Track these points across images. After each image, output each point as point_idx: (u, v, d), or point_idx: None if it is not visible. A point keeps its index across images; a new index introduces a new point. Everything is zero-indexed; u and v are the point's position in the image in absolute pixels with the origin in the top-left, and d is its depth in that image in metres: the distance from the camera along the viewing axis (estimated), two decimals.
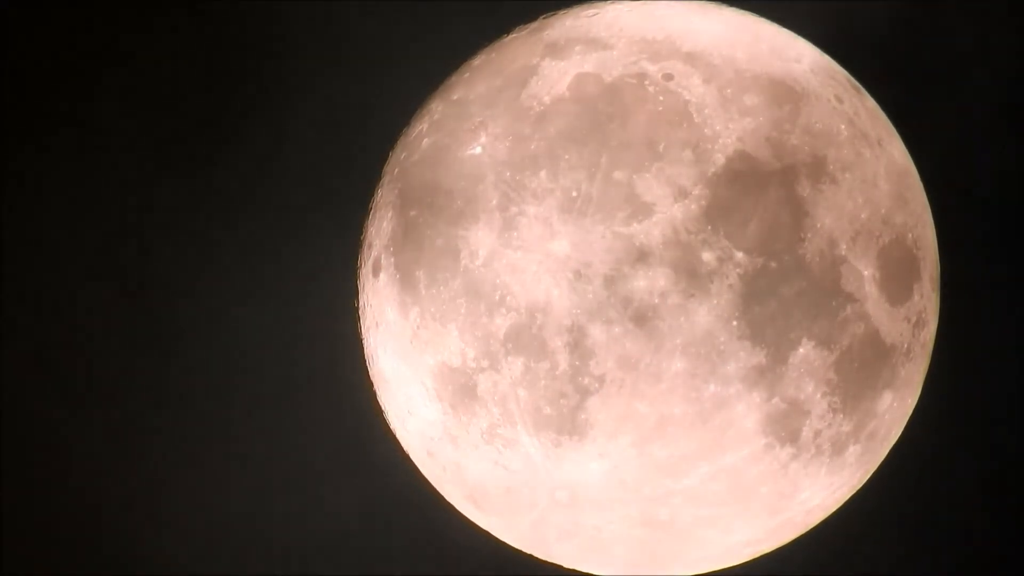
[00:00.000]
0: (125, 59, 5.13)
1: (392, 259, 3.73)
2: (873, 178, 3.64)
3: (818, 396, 3.53)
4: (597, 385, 3.43)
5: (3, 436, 5.18)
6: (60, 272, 5.17)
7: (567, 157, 3.46)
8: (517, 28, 3.92)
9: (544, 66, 3.62)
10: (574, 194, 3.43)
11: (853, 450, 3.71)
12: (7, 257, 5.13)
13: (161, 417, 5.22)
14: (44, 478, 5.23)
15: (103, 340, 5.20)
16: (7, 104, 5.09)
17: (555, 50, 3.65)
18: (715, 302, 3.39)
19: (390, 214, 3.78)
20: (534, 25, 3.87)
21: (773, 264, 3.42)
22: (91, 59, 5.11)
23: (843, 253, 3.50)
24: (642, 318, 3.39)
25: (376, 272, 3.80)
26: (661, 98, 3.49)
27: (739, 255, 3.39)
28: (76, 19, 5.09)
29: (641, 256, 3.39)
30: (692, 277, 3.39)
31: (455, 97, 3.80)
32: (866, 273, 3.55)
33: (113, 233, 5.17)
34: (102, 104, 5.14)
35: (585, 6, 3.84)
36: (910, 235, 3.72)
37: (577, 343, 3.42)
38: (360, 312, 3.98)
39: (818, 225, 3.48)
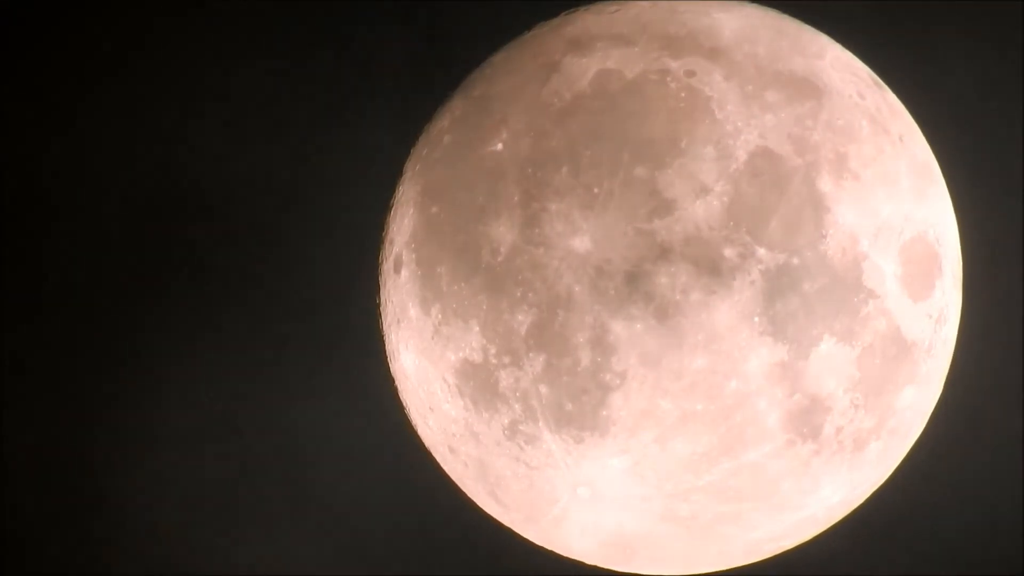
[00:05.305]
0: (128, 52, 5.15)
1: (413, 255, 3.73)
2: (895, 174, 3.63)
3: (840, 392, 3.52)
4: (619, 381, 3.43)
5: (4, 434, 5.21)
6: (71, 263, 5.19)
7: (588, 153, 3.46)
8: (538, 25, 3.92)
9: (566, 62, 3.62)
10: (595, 190, 3.42)
11: (875, 446, 3.70)
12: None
13: (174, 412, 5.24)
14: (46, 479, 5.26)
15: (118, 334, 5.22)
16: None
17: (577, 46, 3.65)
18: (737, 298, 3.39)
19: (411, 211, 3.79)
20: (555, 22, 3.87)
21: (795, 260, 3.41)
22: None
23: (865, 249, 3.50)
24: (664, 314, 3.39)
25: (398, 268, 3.81)
26: (683, 94, 3.49)
27: (761, 251, 3.39)
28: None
29: (663, 253, 3.38)
30: (714, 274, 3.38)
31: (476, 94, 3.80)
32: (888, 269, 3.54)
33: (127, 229, 5.19)
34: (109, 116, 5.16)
35: (607, 3, 3.84)
36: (932, 231, 3.71)
37: (599, 339, 3.42)
38: (381, 308, 3.99)
39: (840, 221, 3.47)
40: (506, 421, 3.60)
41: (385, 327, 3.99)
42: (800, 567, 4.34)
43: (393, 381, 4.04)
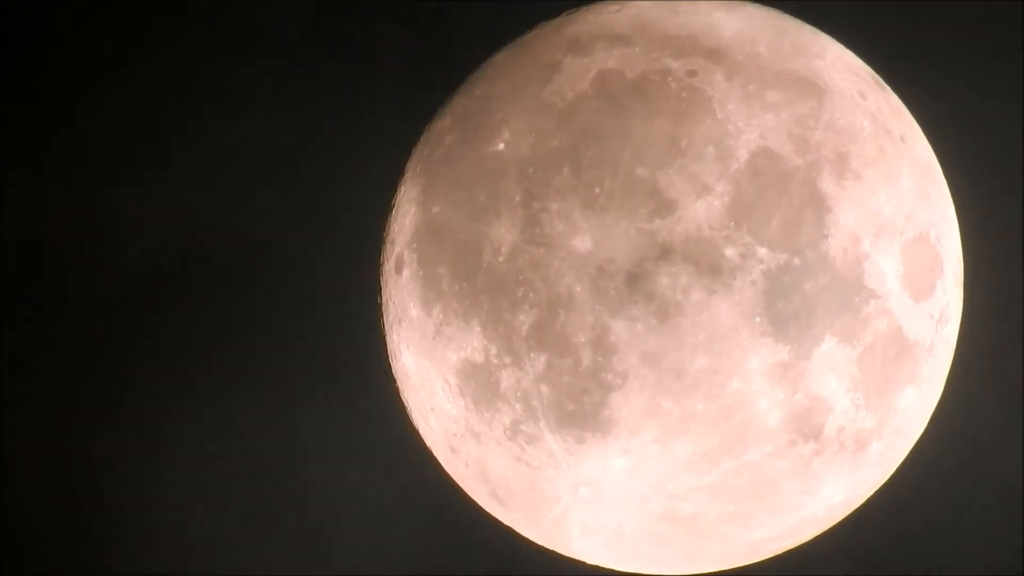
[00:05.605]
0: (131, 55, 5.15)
1: (415, 255, 3.73)
2: (896, 174, 3.63)
3: (841, 392, 3.52)
4: (620, 381, 3.43)
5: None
6: (71, 262, 5.19)
7: (589, 153, 3.46)
8: (539, 25, 3.92)
9: (567, 63, 3.62)
10: (597, 190, 3.42)
11: (876, 446, 3.70)
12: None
13: (174, 412, 5.24)
14: (49, 478, 5.26)
15: (117, 334, 5.22)
16: None
17: (578, 47, 3.65)
18: (738, 298, 3.39)
19: (413, 210, 3.79)
20: (556, 22, 3.87)
21: (796, 260, 3.41)
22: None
23: (866, 249, 3.50)
24: (665, 314, 3.39)
25: (399, 269, 3.81)
26: (684, 94, 3.49)
27: (762, 251, 3.39)
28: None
29: (664, 252, 3.38)
30: (715, 273, 3.38)
31: (477, 93, 3.80)
32: (889, 269, 3.54)
33: (126, 229, 5.19)
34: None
35: (608, 3, 3.84)
36: (933, 231, 3.71)
37: (600, 339, 3.42)
38: (383, 309, 3.99)
39: (841, 221, 3.47)
40: (507, 421, 3.60)
41: (386, 327, 3.98)
42: (801, 567, 4.34)
43: (394, 381, 4.04)
